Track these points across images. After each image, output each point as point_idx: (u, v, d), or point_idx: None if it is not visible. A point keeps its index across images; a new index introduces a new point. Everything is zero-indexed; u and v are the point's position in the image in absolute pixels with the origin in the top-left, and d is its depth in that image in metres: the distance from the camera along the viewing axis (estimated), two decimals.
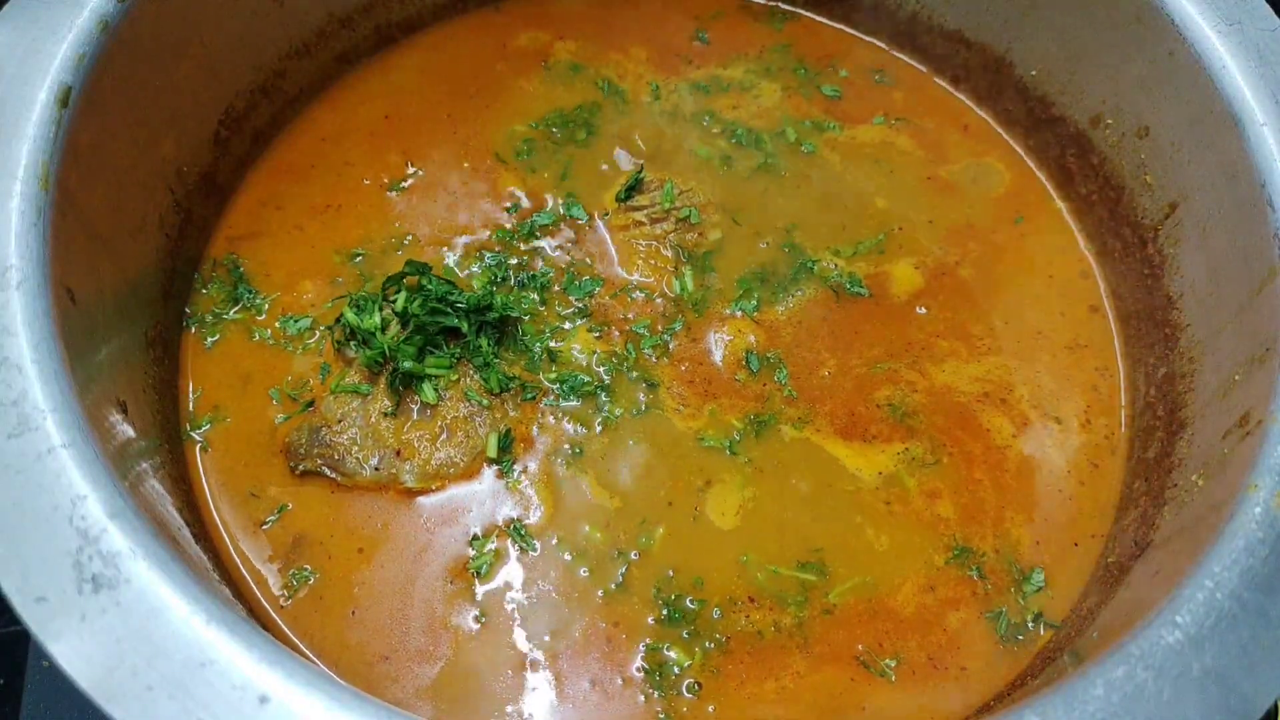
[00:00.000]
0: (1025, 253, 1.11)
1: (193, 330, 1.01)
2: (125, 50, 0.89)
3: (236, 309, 1.02)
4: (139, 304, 0.94)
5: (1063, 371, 1.03)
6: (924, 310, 1.06)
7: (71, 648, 0.62)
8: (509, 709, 0.83)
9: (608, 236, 1.07)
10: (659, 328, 1.01)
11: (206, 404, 0.97)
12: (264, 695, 0.61)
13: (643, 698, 0.84)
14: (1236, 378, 0.87)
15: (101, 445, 0.71)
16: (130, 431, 0.83)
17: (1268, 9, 0.94)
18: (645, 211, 1.08)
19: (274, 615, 0.87)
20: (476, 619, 0.87)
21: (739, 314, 1.03)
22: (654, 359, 1.00)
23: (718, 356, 1.00)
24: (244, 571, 0.88)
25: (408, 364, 0.92)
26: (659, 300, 1.03)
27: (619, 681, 0.84)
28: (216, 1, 1.01)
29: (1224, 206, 0.92)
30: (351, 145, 1.14)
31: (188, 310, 1.02)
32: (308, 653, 0.85)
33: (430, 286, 0.97)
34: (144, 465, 0.82)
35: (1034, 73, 1.15)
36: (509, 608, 0.87)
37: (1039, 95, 1.15)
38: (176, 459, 0.92)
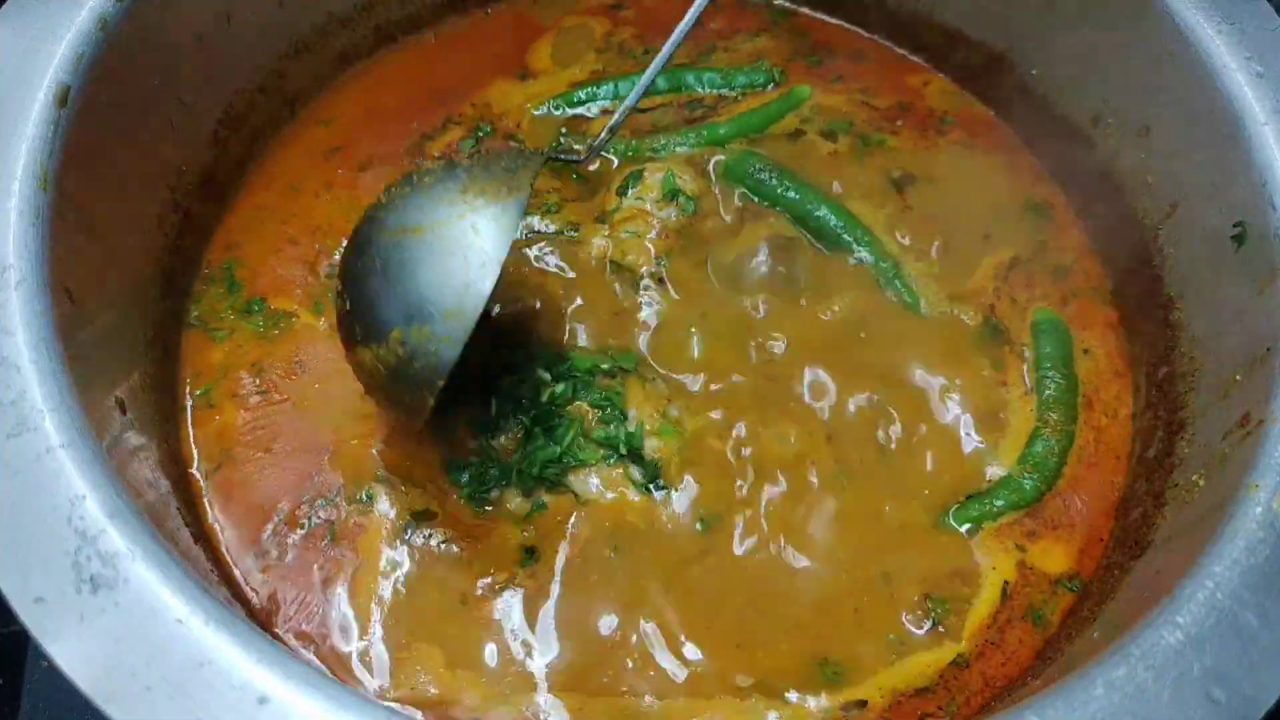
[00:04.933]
0: (1040, 269, 1.10)
1: (192, 327, 1.01)
2: (124, 50, 0.88)
3: (236, 303, 1.02)
4: (138, 303, 0.94)
5: (1084, 363, 1.03)
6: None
7: (70, 648, 0.62)
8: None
9: (611, 229, 1.07)
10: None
11: (206, 399, 0.97)
12: (263, 696, 0.61)
13: None
14: (1237, 378, 0.87)
15: (100, 445, 0.71)
16: (129, 431, 0.83)
17: (1268, 8, 0.94)
18: (649, 201, 1.07)
19: (273, 617, 0.87)
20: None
21: None
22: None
23: None
24: (241, 571, 0.88)
25: None
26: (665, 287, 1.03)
27: None
28: (216, 1, 1.01)
29: (1224, 206, 0.92)
30: (351, 143, 1.14)
31: (186, 308, 1.02)
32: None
33: None
34: (143, 465, 0.82)
35: (1034, 72, 1.14)
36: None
37: (1040, 94, 1.15)
38: (175, 459, 0.91)
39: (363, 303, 0.82)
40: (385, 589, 0.87)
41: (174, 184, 1.00)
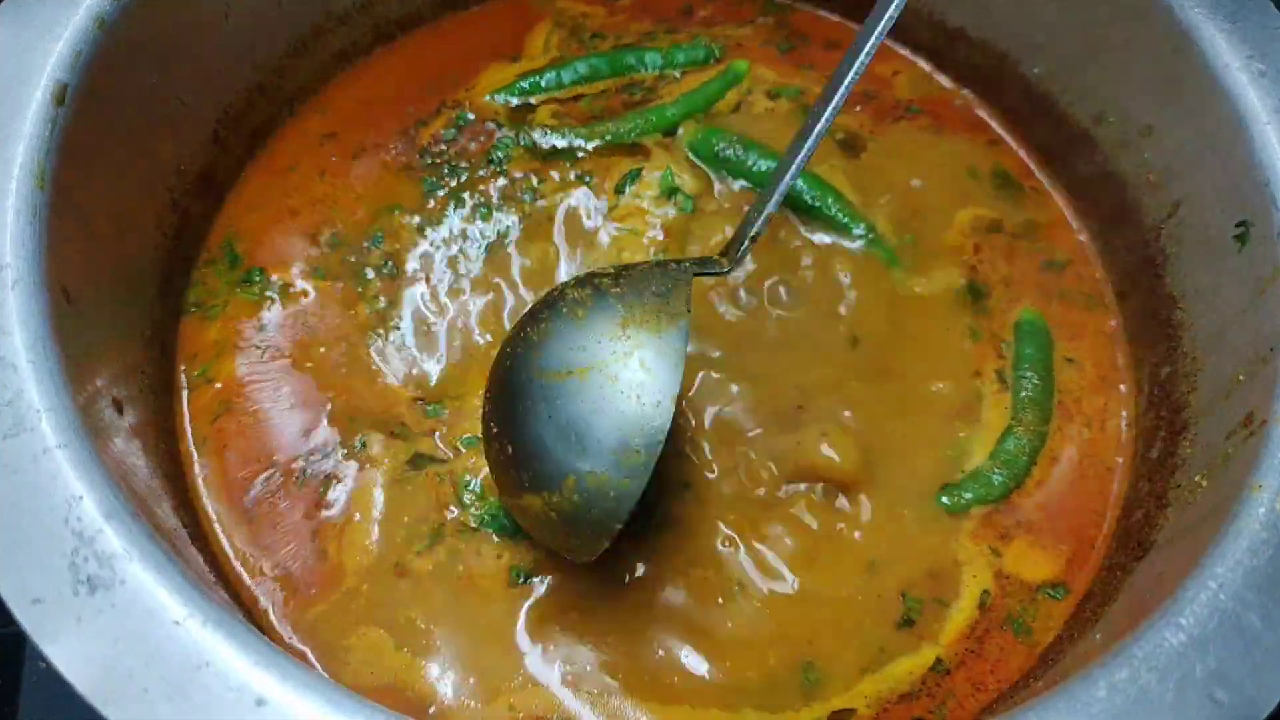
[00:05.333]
0: (1027, 252, 1.10)
1: (190, 314, 1.01)
2: (122, 48, 0.88)
3: (234, 277, 1.02)
4: (135, 302, 0.93)
5: (1066, 371, 1.03)
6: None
7: (68, 650, 0.62)
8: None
9: (612, 226, 1.06)
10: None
11: (204, 376, 0.97)
12: (260, 698, 0.61)
13: None
14: (1240, 378, 0.86)
15: (97, 445, 0.70)
16: (126, 431, 0.83)
17: (1271, 7, 0.94)
18: (647, 199, 1.07)
19: (272, 617, 0.86)
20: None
21: None
22: None
23: None
24: (240, 572, 0.88)
25: None
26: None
27: None
28: (215, 1, 1.01)
29: (1227, 206, 0.92)
30: (351, 142, 1.13)
31: (184, 304, 1.01)
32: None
33: None
34: (140, 465, 0.82)
35: (1037, 71, 1.14)
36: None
37: (1042, 93, 1.14)
38: (173, 458, 0.91)
39: (528, 451, 0.77)
40: (373, 559, 0.88)
41: (173, 183, 1.00)
